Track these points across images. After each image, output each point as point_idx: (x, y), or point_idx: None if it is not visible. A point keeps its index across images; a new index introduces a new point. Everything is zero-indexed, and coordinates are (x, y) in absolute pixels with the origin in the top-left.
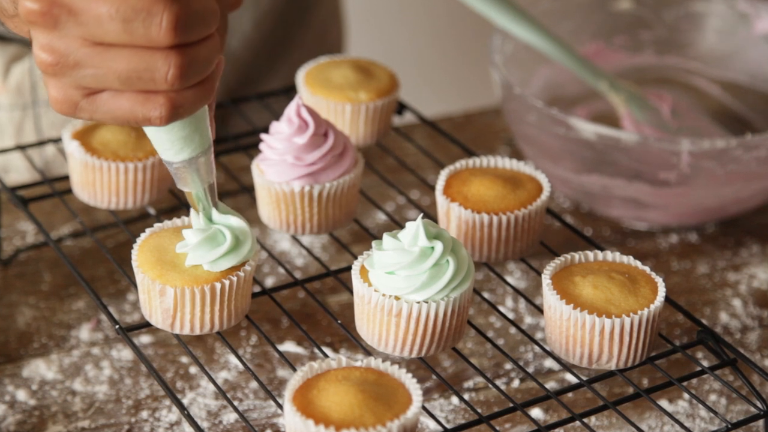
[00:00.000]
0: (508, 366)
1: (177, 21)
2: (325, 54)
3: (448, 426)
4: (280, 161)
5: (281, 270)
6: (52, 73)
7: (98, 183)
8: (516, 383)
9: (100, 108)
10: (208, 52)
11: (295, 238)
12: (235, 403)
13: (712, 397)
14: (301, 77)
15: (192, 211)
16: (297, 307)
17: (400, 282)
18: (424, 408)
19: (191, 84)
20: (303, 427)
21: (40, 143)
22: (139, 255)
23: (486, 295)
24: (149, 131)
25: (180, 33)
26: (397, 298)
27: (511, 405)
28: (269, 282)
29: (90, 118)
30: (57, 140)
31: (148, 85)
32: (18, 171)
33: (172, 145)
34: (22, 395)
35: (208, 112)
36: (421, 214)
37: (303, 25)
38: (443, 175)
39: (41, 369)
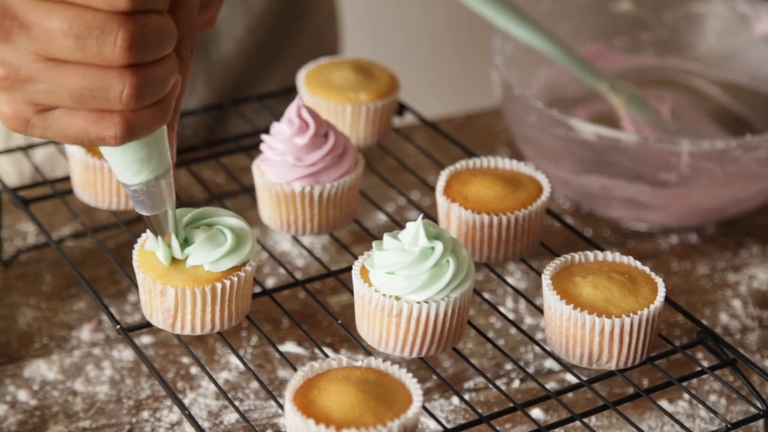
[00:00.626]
0: (509, 366)
1: (132, 40)
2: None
3: (449, 426)
4: (280, 162)
5: (282, 270)
6: (3, 88)
7: (99, 183)
8: (516, 383)
9: (52, 126)
10: (164, 72)
11: (295, 239)
12: (236, 403)
13: (712, 398)
14: (302, 78)
15: (150, 236)
16: (297, 307)
17: (400, 282)
18: (424, 408)
19: (147, 104)
20: (303, 426)
21: (40, 144)
22: (140, 255)
23: (486, 295)
24: (105, 152)
25: (135, 52)
26: (397, 298)
27: (512, 405)
28: (270, 282)
29: (42, 135)
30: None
31: (102, 104)
32: (8, 176)
33: (129, 166)
34: (23, 395)
35: (167, 132)
36: (422, 215)
37: (298, 30)
38: (443, 175)
39: (42, 369)
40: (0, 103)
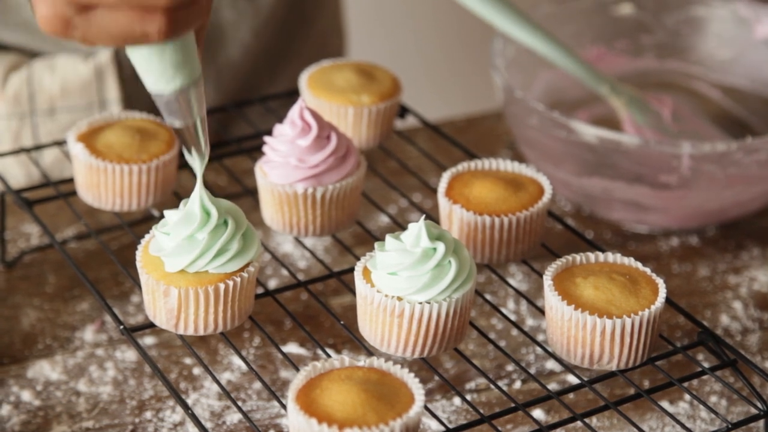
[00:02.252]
0: (510, 367)
1: None
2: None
3: (450, 426)
4: (283, 163)
5: (284, 272)
6: None
7: (102, 185)
8: (518, 384)
9: (94, 25)
10: None
11: (298, 241)
12: (239, 404)
13: (713, 399)
14: (304, 80)
15: (185, 151)
16: (300, 308)
17: (402, 283)
18: (426, 408)
19: (186, 1)
20: (306, 425)
21: (44, 146)
22: (144, 256)
23: (488, 297)
24: (141, 59)
25: None
26: (399, 298)
27: (513, 405)
28: (272, 284)
29: (83, 36)
30: (62, 143)
31: (144, 1)
32: (15, 178)
33: (164, 72)
34: (26, 396)
35: (196, 46)
36: (423, 216)
37: (303, 35)
38: (445, 177)
39: (46, 370)
40: (39, 4)
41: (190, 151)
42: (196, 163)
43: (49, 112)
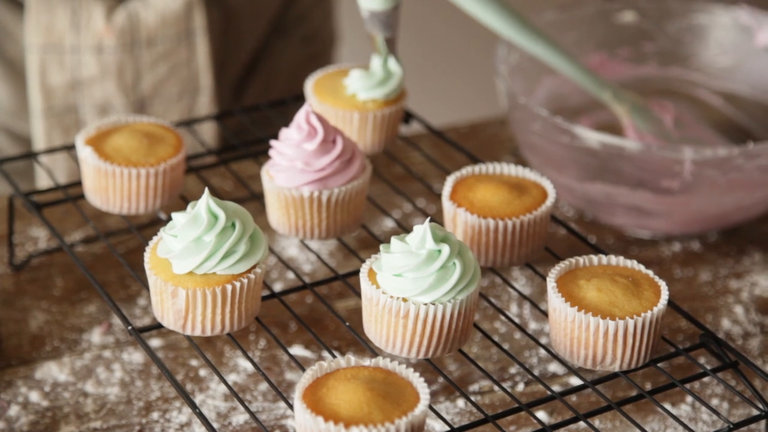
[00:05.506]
0: (513, 370)
1: None
2: (314, 66)
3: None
4: (289, 167)
5: (290, 275)
6: None
7: (111, 188)
8: (521, 387)
9: None
10: None
11: (303, 244)
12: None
13: (715, 401)
14: (310, 86)
15: (383, 61)
16: (305, 311)
17: (407, 284)
18: (430, 408)
19: None
20: (313, 424)
21: (54, 150)
22: (152, 257)
23: (492, 300)
24: None
25: None
26: (404, 299)
27: (517, 406)
28: (278, 287)
29: None
30: (71, 147)
31: None
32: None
33: None
34: (35, 396)
35: None
36: (429, 218)
37: (290, 37)
38: (449, 181)
39: (53, 371)
40: None
41: (387, 60)
42: (396, 66)
43: (148, 43)
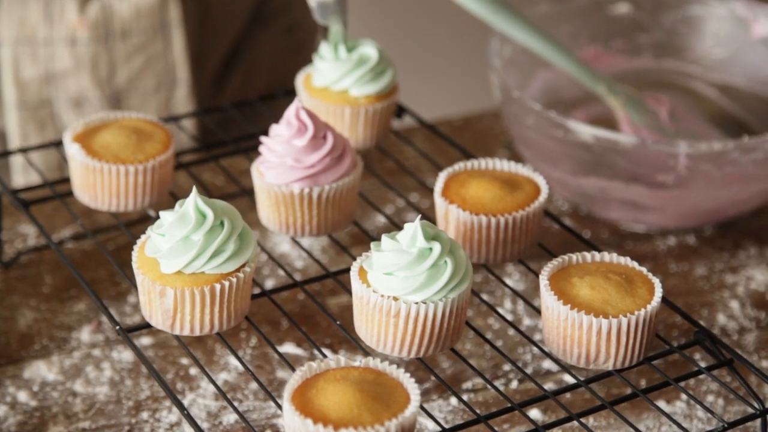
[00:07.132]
0: (507, 367)
1: None
2: (297, 57)
3: (447, 426)
4: (279, 164)
5: (281, 272)
6: None
7: (99, 185)
8: (514, 384)
9: None
10: None
11: (294, 241)
12: (235, 404)
13: (710, 398)
14: (301, 81)
15: (326, 43)
16: (296, 309)
17: (398, 283)
18: (422, 408)
19: None
20: (302, 426)
21: (42, 147)
22: (140, 256)
23: (484, 296)
24: None
25: None
26: (395, 298)
27: (509, 405)
28: (269, 284)
29: None
30: (58, 143)
31: None
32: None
33: None
34: (23, 396)
35: None
36: (420, 216)
37: (272, 28)
38: (442, 177)
39: (42, 370)
40: None
41: (338, 48)
42: (326, 50)
43: (122, 35)
